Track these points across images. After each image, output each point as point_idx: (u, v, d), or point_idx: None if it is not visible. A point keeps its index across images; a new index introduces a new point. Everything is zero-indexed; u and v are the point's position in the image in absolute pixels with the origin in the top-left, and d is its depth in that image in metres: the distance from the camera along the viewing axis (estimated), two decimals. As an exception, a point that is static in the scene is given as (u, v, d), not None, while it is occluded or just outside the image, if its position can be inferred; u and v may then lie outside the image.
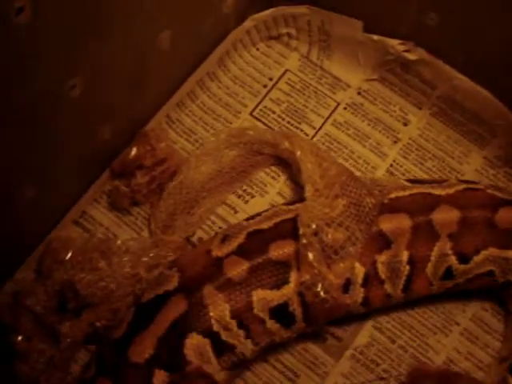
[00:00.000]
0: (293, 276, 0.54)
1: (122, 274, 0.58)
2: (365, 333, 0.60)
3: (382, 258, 0.56)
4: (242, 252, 0.55)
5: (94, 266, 0.58)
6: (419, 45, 0.62)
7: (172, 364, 0.52)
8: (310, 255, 0.53)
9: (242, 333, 0.54)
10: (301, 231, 0.54)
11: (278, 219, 0.57)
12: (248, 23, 0.66)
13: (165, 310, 0.53)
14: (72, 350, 0.57)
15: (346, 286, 0.55)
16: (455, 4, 0.56)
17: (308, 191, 0.56)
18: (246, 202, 0.64)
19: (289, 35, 0.69)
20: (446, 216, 0.56)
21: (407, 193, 0.58)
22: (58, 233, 0.61)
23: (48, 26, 0.43)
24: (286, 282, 0.54)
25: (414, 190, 0.58)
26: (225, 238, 0.56)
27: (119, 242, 0.60)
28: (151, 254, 0.59)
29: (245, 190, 0.64)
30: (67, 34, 0.46)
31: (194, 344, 0.53)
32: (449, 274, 0.57)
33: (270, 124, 0.66)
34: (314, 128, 0.67)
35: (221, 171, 0.64)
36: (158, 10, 0.54)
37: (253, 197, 0.64)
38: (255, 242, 0.56)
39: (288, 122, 0.66)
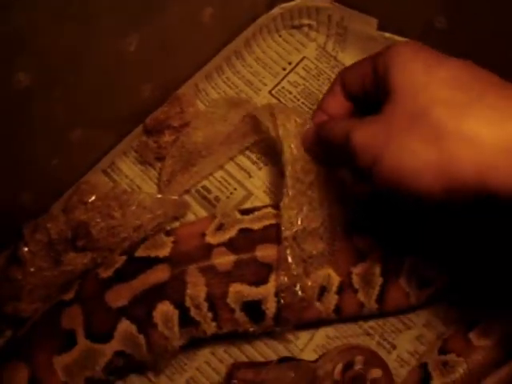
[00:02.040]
0: (272, 278, 0.58)
1: (132, 226, 0.63)
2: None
3: (357, 270, 0.60)
4: (231, 245, 0.59)
5: (111, 213, 0.63)
6: (427, 45, 0.69)
7: (138, 319, 0.57)
8: (290, 257, 0.58)
9: (210, 315, 0.58)
10: (283, 234, 0.58)
11: (267, 222, 0.61)
12: (276, 11, 0.73)
13: (149, 273, 0.58)
14: (67, 277, 0.61)
15: (321, 292, 0.60)
16: (464, 10, 0.62)
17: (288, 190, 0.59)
18: (260, 168, 0.70)
19: (309, 26, 0.76)
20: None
21: None
22: (88, 178, 0.67)
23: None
24: (264, 281, 0.58)
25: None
26: (220, 227, 0.61)
27: (136, 195, 0.64)
28: (158, 212, 0.64)
29: (259, 158, 0.70)
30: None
31: (164, 310, 0.57)
32: (424, 281, 0.61)
33: (286, 103, 0.73)
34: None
35: (219, 135, 0.67)
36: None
37: (266, 165, 0.70)
38: (244, 239, 0.60)
39: (302, 103, 0.73)
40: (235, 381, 0.56)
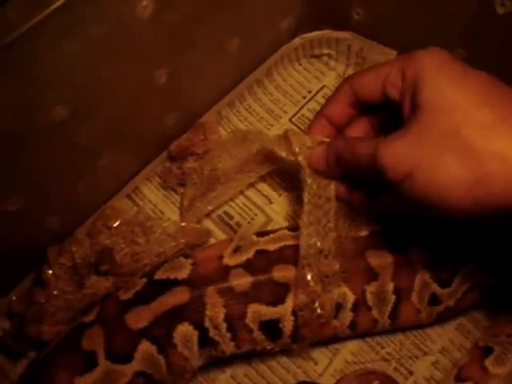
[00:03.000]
0: (289, 297, 0.59)
1: (155, 253, 0.64)
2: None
3: (370, 288, 0.62)
4: (248, 267, 0.60)
5: (135, 239, 0.64)
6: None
7: (158, 340, 0.58)
8: (309, 275, 0.59)
9: (228, 335, 0.59)
10: (301, 253, 0.60)
11: (282, 243, 0.62)
12: (297, 41, 0.75)
13: (169, 295, 0.59)
14: (89, 300, 0.62)
15: (337, 309, 0.61)
16: (482, 43, 0.64)
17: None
18: (280, 195, 0.72)
19: (329, 55, 0.77)
20: (417, 252, 0.62)
21: (380, 227, 0.64)
22: (112, 202, 0.69)
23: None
24: (281, 301, 0.59)
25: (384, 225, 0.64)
26: (237, 249, 0.62)
27: (160, 221, 0.65)
28: (182, 240, 0.65)
29: (280, 184, 0.72)
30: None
31: (184, 331, 0.58)
32: (434, 299, 0.62)
33: (306, 130, 0.72)
34: (344, 138, 0.75)
35: (238, 162, 0.68)
36: (232, 20, 0.62)
37: (286, 191, 0.71)
38: (261, 260, 0.61)
39: None
40: None
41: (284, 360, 0.65)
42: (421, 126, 0.49)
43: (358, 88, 0.57)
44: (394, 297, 0.61)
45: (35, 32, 0.43)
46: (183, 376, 0.60)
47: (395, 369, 0.65)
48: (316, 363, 0.65)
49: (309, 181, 0.60)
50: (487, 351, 0.62)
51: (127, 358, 0.58)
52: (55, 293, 0.62)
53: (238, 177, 0.69)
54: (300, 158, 0.60)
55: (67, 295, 0.63)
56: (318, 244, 0.60)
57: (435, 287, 0.62)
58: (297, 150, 0.60)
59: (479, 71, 0.50)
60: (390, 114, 0.56)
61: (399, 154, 0.49)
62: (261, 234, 0.65)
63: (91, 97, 0.52)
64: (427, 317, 0.63)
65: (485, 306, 0.67)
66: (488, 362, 0.61)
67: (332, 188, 0.60)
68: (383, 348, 0.66)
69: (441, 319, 0.65)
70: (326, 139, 0.60)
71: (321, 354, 0.66)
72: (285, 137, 0.62)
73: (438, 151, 0.47)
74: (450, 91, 0.48)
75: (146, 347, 0.58)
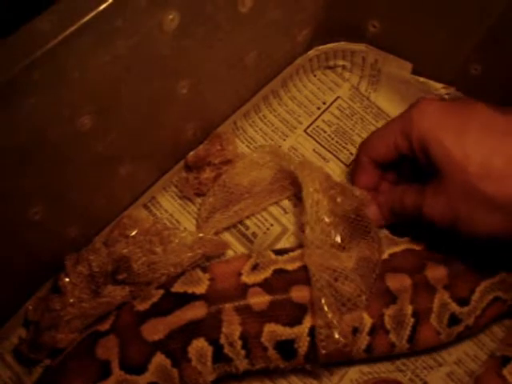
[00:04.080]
0: (306, 318, 0.59)
1: (172, 262, 0.64)
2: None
3: (389, 312, 0.61)
4: (266, 286, 0.60)
5: (152, 249, 0.64)
6: (461, 90, 0.71)
7: (173, 354, 0.58)
8: (325, 306, 0.58)
9: (243, 352, 0.60)
10: (313, 280, 0.59)
11: (301, 263, 0.62)
12: (312, 52, 0.76)
13: (186, 309, 0.59)
14: (104, 309, 0.62)
15: (353, 333, 0.60)
16: (497, 57, 0.65)
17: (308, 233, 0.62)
18: (295, 205, 0.72)
19: (343, 67, 0.78)
20: (437, 273, 0.62)
21: (399, 249, 0.65)
22: (129, 212, 0.69)
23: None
24: (299, 322, 0.59)
25: (402, 247, 0.65)
26: (255, 267, 0.62)
27: (177, 232, 0.65)
28: (199, 251, 0.65)
29: (295, 194, 0.72)
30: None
31: (199, 346, 0.59)
32: (454, 319, 0.62)
33: (320, 141, 0.75)
34: (358, 149, 0.76)
35: (263, 180, 0.69)
36: (251, 33, 0.63)
37: (301, 201, 0.68)
38: (279, 280, 0.61)
39: (336, 142, 0.75)
40: None
41: (301, 372, 0.65)
42: (445, 184, 0.55)
43: (373, 156, 0.64)
44: (412, 320, 0.61)
45: (66, 46, 0.43)
46: (195, 389, 0.61)
47: (410, 379, 0.65)
48: (332, 374, 0.66)
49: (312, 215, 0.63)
50: (505, 360, 0.62)
51: (141, 370, 0.58)
52: (71, 300, 0.62)
53: (262, 195, 0.70)
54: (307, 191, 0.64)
55: (83, 303, 0.63)
56: (328, 266, 0.60)
57: (454, 306, 0.62)
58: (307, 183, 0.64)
59: (472, 109, 0.55)
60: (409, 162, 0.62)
61: (439, 210, 0.57)
62: (279, 252, 0.65)
63: (114, 108, 0.53)
64: (447, 337, 0.63)
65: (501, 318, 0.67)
66: (506, 372, 0.61)
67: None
68: (398, 359, 0.66)
69: (460, 338, 0.65)
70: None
71: (336, 365, 0.66)
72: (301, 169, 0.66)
73: (467, 206, 0.54)
74: (454, 150, 0.54)
75: (160, 360, 0.58)
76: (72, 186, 0.57)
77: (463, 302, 0.62)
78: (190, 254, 0.64)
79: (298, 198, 0.72)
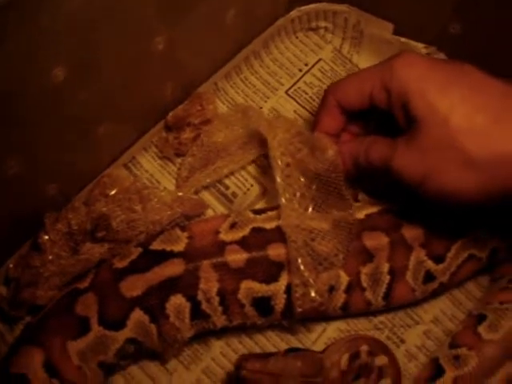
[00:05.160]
0: (283, 276, 0.60)
1: (151, 220, 0.64)
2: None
3: (365, 270, 0.62)
4: (243, 244, 0.61)
5: (131, 207, 0.64)
6: (441, 50, 0.71)
7: (151, 310, 0.59)
8: (302, 266, 0.59)
9: (220, 309, 0.60)
10: (289, 241, 0.60)
11: (279, 222, 0.62)
12: (294, 13, 0.75)
13: (164, 266, 0.60)
14: (83, 266, 0.63)
15: (329, 290, 0.61)
16: (478, 18, 0.65)
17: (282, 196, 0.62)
18: (276, 166, 0.72)
19: (326, 29, 0.78)
20: (413, 231, 0.63)
21: (375, 209, 0.65)
22: (109, 171, 0.69)
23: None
24: (275, 279, 0.60)
25: (379, 207, 0.65)
26: (233, 225, 0.63)
27: (157, 190, 0.66)
28: (178, 209, 0.65)
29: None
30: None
31: (177, 303, 0.59)
32: (429, 276, 0.63)
33: (301, 103, 0.75)
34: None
35: (238, 139, 0.69)
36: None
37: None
38: (257, 238, 0.61)
39: (318, 104, 0.73)
40: (244, 371, 0.57)
41: (278, 328, 0.66)
42: (422, 137, 0.53)
43: (342, 101, 0.60)
44: (388, 277, 0.62)
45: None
46: (173, 345, 0.61)
47: (387, 337, 0.66)
48: (310, 331, 0.66)
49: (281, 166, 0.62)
50: (480, 318, 0.63)
51: (120, 325, 0.59)
52: (50, 258, 0.63)
53: (239, 152, 0.70)
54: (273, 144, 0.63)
55: (62, 260, 0.63)
56: (304, 226, 0.60)
57: (430, 264, 0.62)
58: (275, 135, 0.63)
59: (455, 66, 0.54)
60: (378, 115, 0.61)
61: (408, 164, 0.54)
62: (258, 211, 0.65)
63: (89, 61, 0.53)
64: (421, 294, 0.64)
65: (477, 277, 0.68)
66: (481, 329, 0.62)
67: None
68: (376, 317, 0.67)
69: (435, 295, 0.66)
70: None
71: (314, 323, 0.67)
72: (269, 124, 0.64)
73: (442, 161, 0.52)
74: (437, 102, 0.52)
75: (138, 316, 0.59)
76: (49, 141, 0.57)
77: (439, 259, 0.63)
78: (169, 213, 0.65)
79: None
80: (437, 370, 0.62)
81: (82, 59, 0.52)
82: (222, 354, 0.65)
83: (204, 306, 0.60)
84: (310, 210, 0.62)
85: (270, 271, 0.60)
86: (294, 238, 0.59)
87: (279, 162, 0.62)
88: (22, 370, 0.57)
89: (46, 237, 0.63)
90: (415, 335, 0.67)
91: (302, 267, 0.59)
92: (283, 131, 0.63)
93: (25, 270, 0.63)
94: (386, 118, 0.58)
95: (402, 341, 0.66)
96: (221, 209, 0.70)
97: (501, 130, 0.50)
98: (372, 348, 0.61)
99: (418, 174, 0.54)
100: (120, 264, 0.61)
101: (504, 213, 0.61)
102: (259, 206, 0.71)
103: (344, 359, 0.60)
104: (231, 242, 0.61)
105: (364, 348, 0.61)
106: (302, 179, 0.62)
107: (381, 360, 0.61)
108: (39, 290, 0.62)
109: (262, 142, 0.69)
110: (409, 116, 0.54)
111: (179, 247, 0.61)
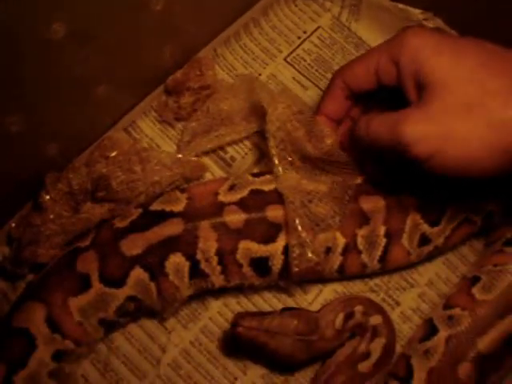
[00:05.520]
0: (281, 237, 0.61)
1: (150, 181, 0.65)
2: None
3: (361, 232, 0.63)
4: (242, 205, 0.62)
5: (131, 168, 0.66)
6: (438, 15, 0.72)
7: (151, 268, 0.60)
8: (299, 226, 0.60)
9: (219, 268, 0.61)
10: (287, 201, 0.61)
11: (277, 184, 0.63)
12: (293, -20, 0.76)
13: (163, 225, 0.61)
14: (84, 225, 0.64)
15: (326, 252, 0.62)
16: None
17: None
18: (274, 131, 0.73)
19: (325, -4, 0.79)
20: (409, 196, 0.63)
21: None
22: (110, 134, 0.70)
23: None
24: (273, 240, 0.61)
25: None
26: (232, 187, 0.64)
27: (156, 152, 0.67)
28: (177, 171, 0.66)
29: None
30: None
31: (176, 261, 0.60)
32: (424, 239, 0.64)
33: (300, 70, 0.76)
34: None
35: (242, 109, 0.69)
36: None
37: None
38: (255, 199, 0.62)
39: (316, 70, 0.76)
40: (240, 328, 0.58)
41: (275, 289, 0.67)
42: (439, 102, 0.50)
43: (350, 81, 0.59)
44: (384, 240, 0.63)
45: None
46: (173, 304, 0.62)
47: (383, 299, 0.67)
48: (306, 293, 0.67)
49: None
50: (475, 280, 0.64)
51: (120, 283, 0.60)
52: (51, 216, 0.64)
53: (243, 123, 0.70)
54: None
55: (63, 219, 0.64)
56: (302, 187, 0.61)
57: (425, 227, 0.63)
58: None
59: (467, 39, 0.52)
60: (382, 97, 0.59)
61: (423, 130, 0.50)
62: (256, 174, 0.66)
63: (86, 19, 0.53)
64: (417, 257, 0.65)
65: (471, 241, 0.69)
66: (475, 290, 0.63)
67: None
68: (372, 279, 0.68)
69: (430, 258, 0.67)
70: None
71: (311, 284, 0.68)
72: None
73: (466, 124, 0.49)
74: (454, 67, 0.50)
75: (138, 273, 0.60)
76: (48, 100, 0.58)
77: (434, 222, 0.63)
78: (168, 174, 0.66)
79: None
80: (431, 329, 0.63)
81: (78, 17, 0.52)
82: (219, 313, 0.66)
83: (203, 265, 0.61)
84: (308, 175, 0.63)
85: (268, 232, 0.61)
86: (291, 200, 0.60)
87: (274, 136, 0.62)
88: (24, 324, 0.58)
89: (47, 196, 0.64)
90: (410, 298, 0.68)
91: (299, 228, 0.59)
92: (284, 106, 0.63)
93: (26, 228, 0.64)
94: (387, 100, 0.58)
95: (397, 303, 0.67)
96: (219, 173, 0.71)
97: None
98: (366, 308, 0.63)
99: (432, 143, 0.50)
100: (121, 224, 0.62)
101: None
102: (257, 170, 0.71)
103: (339, 318, 0.62)
104: (230, 203, 0.62)
105: (359, 308, 0.62)
106: (295, 156, 0.63)
107: (375, 320, 0.62)
108: (40, 248, 0.63)
109: (265, 116, 0.69)
110: (421, 84, 0.52)
111: (178, 207, 0.62)
